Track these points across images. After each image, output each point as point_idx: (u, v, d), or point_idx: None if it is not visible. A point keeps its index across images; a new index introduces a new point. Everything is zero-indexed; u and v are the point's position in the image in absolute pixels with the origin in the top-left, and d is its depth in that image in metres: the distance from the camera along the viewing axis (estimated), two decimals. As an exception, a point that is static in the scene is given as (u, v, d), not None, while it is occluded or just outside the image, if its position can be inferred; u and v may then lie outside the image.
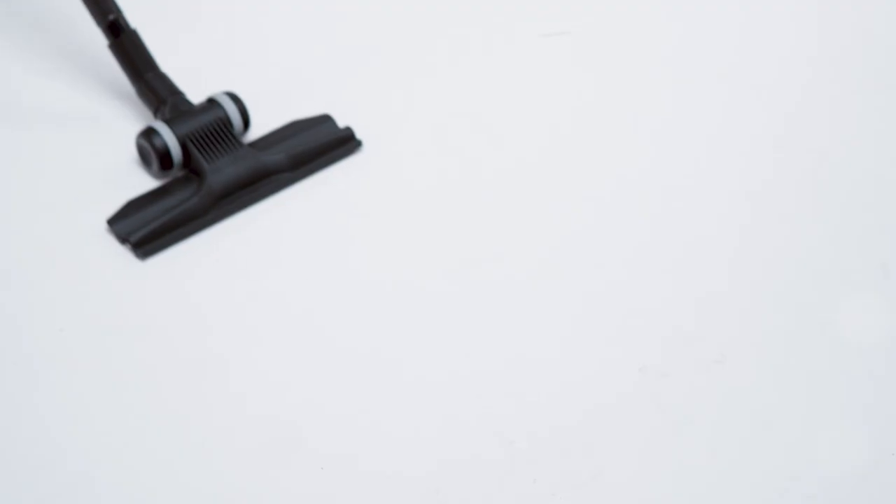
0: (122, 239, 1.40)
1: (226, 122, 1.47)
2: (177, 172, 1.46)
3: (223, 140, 1.45)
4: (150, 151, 1.44)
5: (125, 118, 1.54)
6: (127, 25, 1.50)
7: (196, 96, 1.52)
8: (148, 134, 1.44)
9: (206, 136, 1.45)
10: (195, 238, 1.42)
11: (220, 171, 1.43)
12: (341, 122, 1.52)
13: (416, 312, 1.35)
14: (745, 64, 1.63)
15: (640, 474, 1.22)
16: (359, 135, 1.51)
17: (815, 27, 1.68)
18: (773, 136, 1.54)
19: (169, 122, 1.45)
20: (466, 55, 1.64)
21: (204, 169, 1.43)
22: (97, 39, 1.56)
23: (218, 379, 1.29)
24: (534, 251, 1.41)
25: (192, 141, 1.44)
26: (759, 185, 1.48)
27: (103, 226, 1.42)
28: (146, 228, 1.39)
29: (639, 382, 1.28)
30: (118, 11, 1.50)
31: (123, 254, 1.40)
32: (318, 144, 1.48)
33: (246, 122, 1.48)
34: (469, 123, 1.55)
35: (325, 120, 1.51)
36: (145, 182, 1.47)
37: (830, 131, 1.54)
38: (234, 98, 1.48)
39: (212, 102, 1.48)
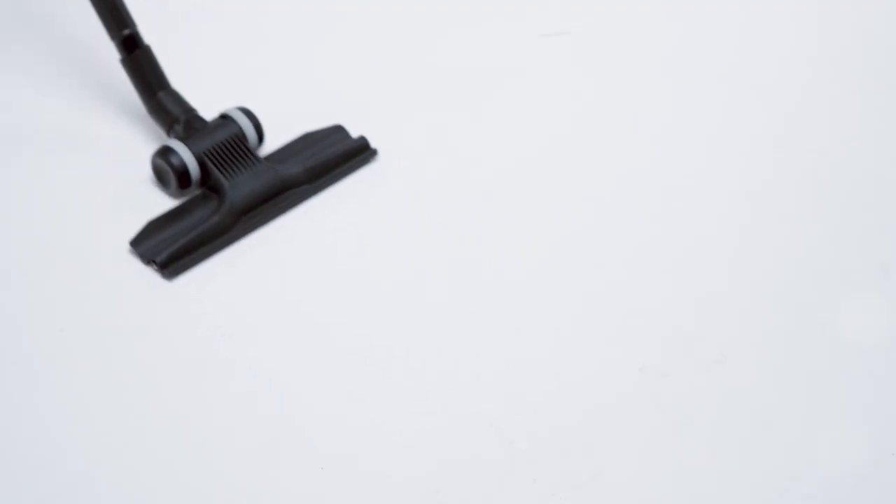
0: (147, 260, 1.38)
1: (241, 137, 1.46)
2: (194, 190, 1.45)
3: (240, 155, 1.44)
4: (168, 170, 1.43)
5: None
6: (142, 41, 1.48)
7: (207, 113, 1.50)
8: (164, 153, 1.43)
9: (223, 152, 1.44)
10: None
11: (240, 187, 1.42)
12: (353, 132, 1.51)
13: (416, 312, 1.35)
14: (745, 64, 1.63)
15: (640, 474, 1.22)
16: (373, 144, 1.51)
17: (815, 27, 1.68)
18: (773, 136, 1.54)
19: (185, 140, 1.44)
20: (466, 55, 1.64)
21: (223, 186, 1.42)
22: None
23: (218, 379, 1.29)
24: (534, 251, 1.41)
25: (209, 158, 1.43)
26: (759, 185, 1.48)
27: (125, 247, 1.40)
28: (171, 248, 1.38)
29: (639, 382, 1.28)
30: (134, 26, 1.48)
31: (147, 274, 1.38)
32: (334, 155, 1.48)
33: (260, 137, 1.48)
34: (469, 123, 1.55)
35: (339, 130, 1.51)
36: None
37: (830, 131, 1.54)
38: (248, 113, 1.47)
39: (225, 118, 1.47)
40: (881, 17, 1.68)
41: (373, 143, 1.50)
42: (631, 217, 1.44)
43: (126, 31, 1.48)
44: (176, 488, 1.21)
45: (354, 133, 1.51)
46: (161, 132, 1.49)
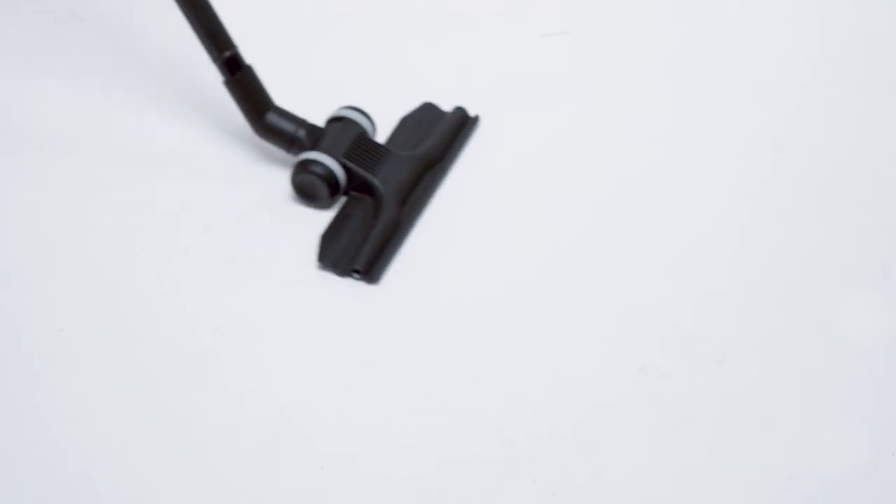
0: (345, 271, 1.38)
1: (365, 134, 1.46)
2: (339, 197, 1.45)
3: (373, 151, 1.45)
4: (317, 181, 1.42)
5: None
6: (243, 61, 1.44)
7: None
8: (307, 166, 1.42)
9: (358, 151, 1.44)
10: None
11: (389, 180, 1.43)
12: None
13: (415, 312, 1.35)
14: (745, 64, 1.63)
15: (640, 474, 1.22)
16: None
17: (815, 27, 1.68)
18: (773, 136, 1.54)
19: (320, 150, 1.43)
20: (466, 55, 1.64)
21: (373, 182, 1.43)
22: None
23: (219, 379, 1.29)
24: (534, 250, 1.41)
25: (350, 160, 1.43)
26: (759, 185, 1.48)
27: (309, 267, 1.39)
28: (363, 255, 1.38)
29: (639, 382, 1.28)
30: (234, 47, 1.43)
31: (349, 284, 1.38)
32: (448, 129, 1.51)
33: (374, 130, 1.48)
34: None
35: (432, 107, 1.53)
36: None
37: (830, 131, 1.54)
38: (359, 110, 1.47)
39: (340, 120, 1.46)
40: (881, 17, 1.68)
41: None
42: (631, 217, 1.44)
43: (227, 53, 1.43)
44: (176, 488, 1.21)
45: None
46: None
